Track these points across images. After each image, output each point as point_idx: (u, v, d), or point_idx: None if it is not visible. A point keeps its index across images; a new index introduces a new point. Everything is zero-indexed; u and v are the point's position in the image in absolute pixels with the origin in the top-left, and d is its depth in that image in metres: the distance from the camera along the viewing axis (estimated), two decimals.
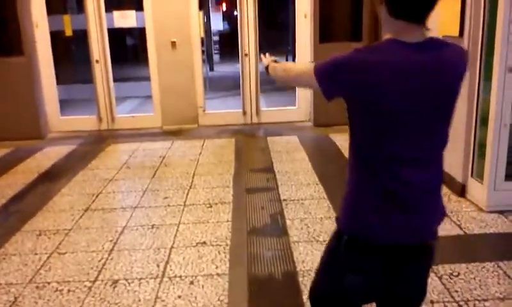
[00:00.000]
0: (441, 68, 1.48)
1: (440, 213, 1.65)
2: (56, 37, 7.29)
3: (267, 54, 2.07)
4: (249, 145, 6.26)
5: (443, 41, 1.56)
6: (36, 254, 3.49)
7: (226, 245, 3.53)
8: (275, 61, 1.99)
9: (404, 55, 1.45)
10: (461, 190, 4.17)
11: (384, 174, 1.52)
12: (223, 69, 14.13)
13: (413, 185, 1.52)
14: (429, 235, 1.62)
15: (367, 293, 1.67)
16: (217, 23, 13.72)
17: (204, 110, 7.29)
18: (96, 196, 4.59)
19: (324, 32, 6.63)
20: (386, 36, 1.52)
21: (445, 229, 3.63)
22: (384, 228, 1.54)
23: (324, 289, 1.76)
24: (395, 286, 1.64)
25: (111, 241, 3.65)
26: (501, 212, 3.84)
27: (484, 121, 3.90)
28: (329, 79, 1.52)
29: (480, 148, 3.95)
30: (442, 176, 1.61)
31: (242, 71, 7.20)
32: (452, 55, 1.53)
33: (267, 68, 2.02)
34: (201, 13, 7.25)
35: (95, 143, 6.56)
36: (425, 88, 1.45)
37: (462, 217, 3.82)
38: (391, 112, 1.45)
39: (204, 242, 3.58)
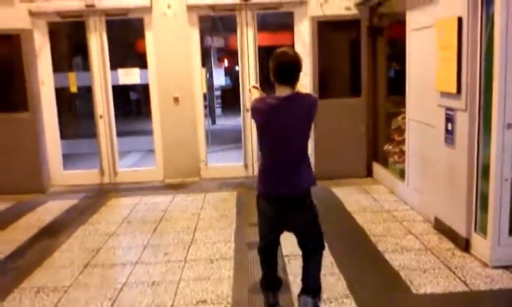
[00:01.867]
0: (291, 109, 2.88)
1: (303, 179, 3.00)
2: (61, 93, 7.44)
3: (253, 84, 3.65)
4: (251, 198, 6.20)
5: (301, 94, 3.00)
6: None
7: (228, 303, 3.46)
8: (255, 87, 3.54)
9: (273, 103, 2.91)
10: (465, 245, 4.14)
11: (267, 158, 3.07)
12: (225, 122, 14.32)
13: (279, 164, 2.97)
14: (294, 191, 2.99)
15: (273, 228, 3.14)
16: (220, 79, 14.03)
17: (206, 164, 7.34)
18: (97, 252, 4.55)
19: (324, 89, 6.72)
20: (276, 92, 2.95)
21: (451, 285, 3.58)
22: (267, 185, 3.05)
23: (258, 231, 3.23)
24: (289, 223, 3.07)
25: (110, 299, 3.59)
26: (506, 267, 3.78)
27: (485, 174, 3.91)
28: (251, 112, 3.14)
29: (483, 200, 3.95)
30: (303, 160, 3.01)
31: (244, 125, 7.30)
32: (301, 101, 2.95)
33: (250, 90, 3.61)
34: (203, 70, 7.43)
35: (97, 197, 6.56)
36: (280, 120, 2.89)
37: (467, 273, 3.77)
38: (264, 132, 2.99)
39: (205, 300, 3.51)
